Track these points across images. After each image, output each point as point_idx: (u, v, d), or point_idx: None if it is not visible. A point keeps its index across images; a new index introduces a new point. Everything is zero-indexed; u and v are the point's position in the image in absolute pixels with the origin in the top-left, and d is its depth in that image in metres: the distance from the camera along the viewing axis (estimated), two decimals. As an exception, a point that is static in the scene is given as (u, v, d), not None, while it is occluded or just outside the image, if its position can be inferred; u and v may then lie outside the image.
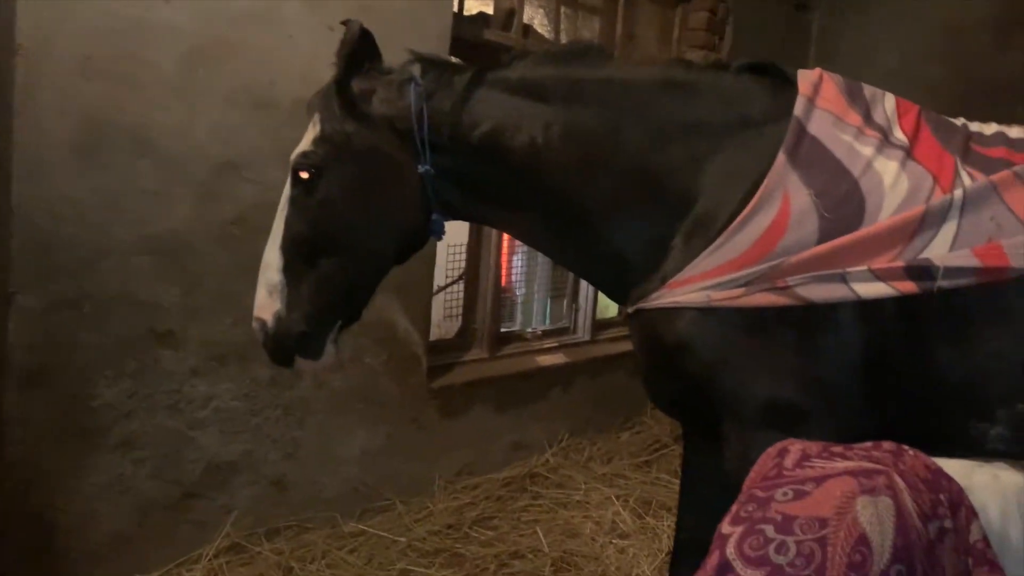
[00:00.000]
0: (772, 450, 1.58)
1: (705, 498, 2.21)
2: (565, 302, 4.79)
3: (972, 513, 1.45)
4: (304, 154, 1.98)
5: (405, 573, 3.13)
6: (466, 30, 3.67)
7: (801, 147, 1.84)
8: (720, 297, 1.82)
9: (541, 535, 3.43)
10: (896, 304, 1.71)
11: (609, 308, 4.94)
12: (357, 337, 3.36)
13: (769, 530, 1.38)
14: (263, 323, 2.02)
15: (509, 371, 4.13)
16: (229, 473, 3.08)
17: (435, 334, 4.11)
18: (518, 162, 1.97)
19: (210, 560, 2.99)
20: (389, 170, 1.99)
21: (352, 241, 1.98)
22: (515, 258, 4.83)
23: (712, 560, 1.42)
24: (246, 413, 3.10)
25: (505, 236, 4.15)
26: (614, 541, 3.46)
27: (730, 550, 1.39)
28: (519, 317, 4.89)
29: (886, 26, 5.02)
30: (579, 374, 4.47)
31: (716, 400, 1.89)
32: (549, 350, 4.47)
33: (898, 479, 1.41)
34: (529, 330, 4.53)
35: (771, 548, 1.35)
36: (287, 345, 2.02)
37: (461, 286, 4.17)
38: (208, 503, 3.05)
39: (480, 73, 2.00)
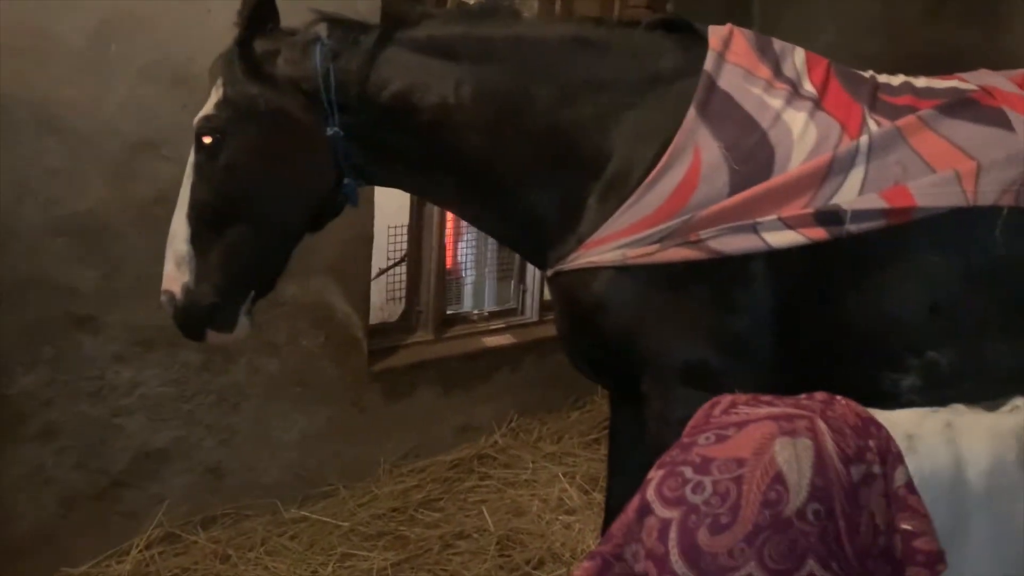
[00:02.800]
0: (707, 404, 1.57)
1: (633, 463, 2.19)
2: (512, 283, 4.75)
3: (899, 460, 1.44)
4: (207, 118, 1.93)
5: (346, 557, 3.08)
6: (397, 4, 3.60)
7: (711, 102, 1.82)
8: (635, 255, 1.79)
9: (487, 514, 3.40)
10: (806, 253, 1.70)
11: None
12: (293, 320, 3.29)
13: (687, 471, 1.37)
14: (171, 295, 1.97)
15: (455, 353, 4.08)
16: (160, 461, 3.00)
17: (378, 317, 4.05)
18: (429, 122, 1.92)
19: (141, 551, 2.90)
20: (296, 133, 1.93)
21: (259, 207, 1.93)
22: (463, 240, 4.79)
23: (633, 503, 1.41)
24: (176, 399, 3.01)
25: (450, 217, 4.10)
26: (560, 517, 3.43)
27: (650, 492, 1.38)
28: (468, 300, 4.84)
29: (825, 0, 5.05)
30: (527, 354, 4.43)
31: (634, 359, 1.86)
32: (496, 331, 4.43)
33: (821, 423, 1.40)
34: (475, 312, 4.49)
35: (688, 488, 1.34)
36: (197, 318, 1.97)
37: (404, 268, 4.11)
38: (138, 492, 2.96)
39: (388, 32, 1.95)
